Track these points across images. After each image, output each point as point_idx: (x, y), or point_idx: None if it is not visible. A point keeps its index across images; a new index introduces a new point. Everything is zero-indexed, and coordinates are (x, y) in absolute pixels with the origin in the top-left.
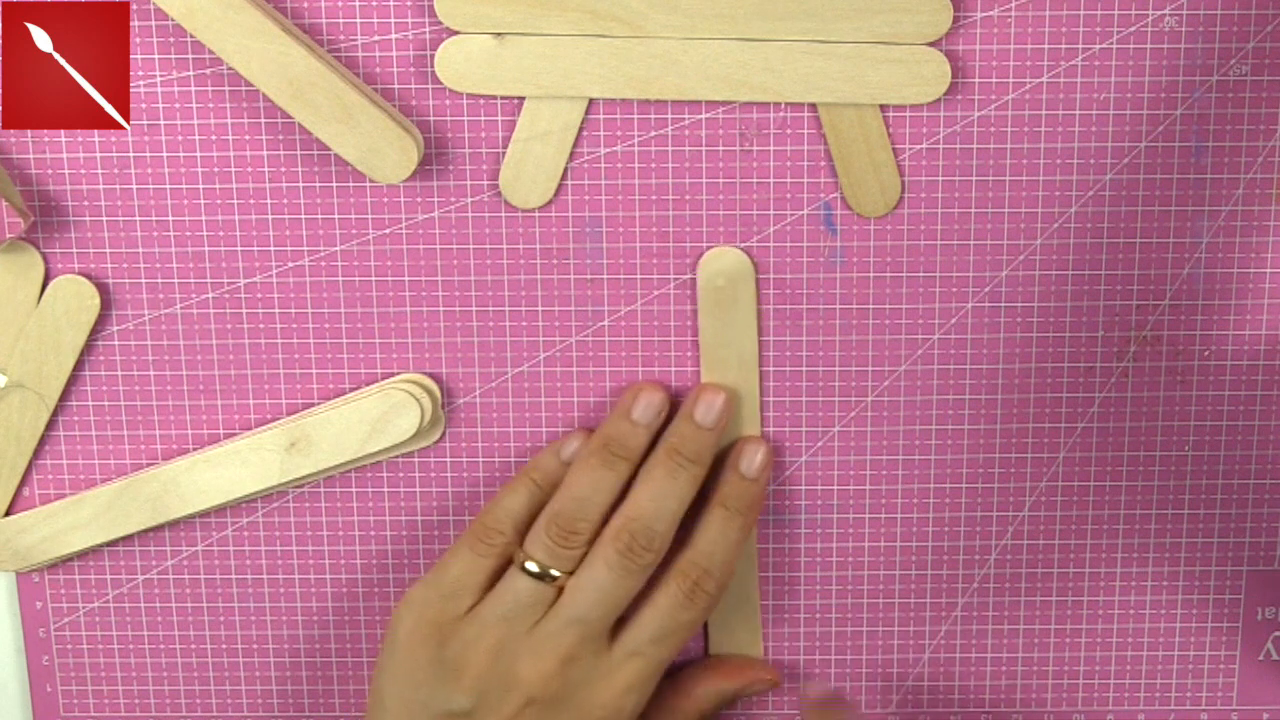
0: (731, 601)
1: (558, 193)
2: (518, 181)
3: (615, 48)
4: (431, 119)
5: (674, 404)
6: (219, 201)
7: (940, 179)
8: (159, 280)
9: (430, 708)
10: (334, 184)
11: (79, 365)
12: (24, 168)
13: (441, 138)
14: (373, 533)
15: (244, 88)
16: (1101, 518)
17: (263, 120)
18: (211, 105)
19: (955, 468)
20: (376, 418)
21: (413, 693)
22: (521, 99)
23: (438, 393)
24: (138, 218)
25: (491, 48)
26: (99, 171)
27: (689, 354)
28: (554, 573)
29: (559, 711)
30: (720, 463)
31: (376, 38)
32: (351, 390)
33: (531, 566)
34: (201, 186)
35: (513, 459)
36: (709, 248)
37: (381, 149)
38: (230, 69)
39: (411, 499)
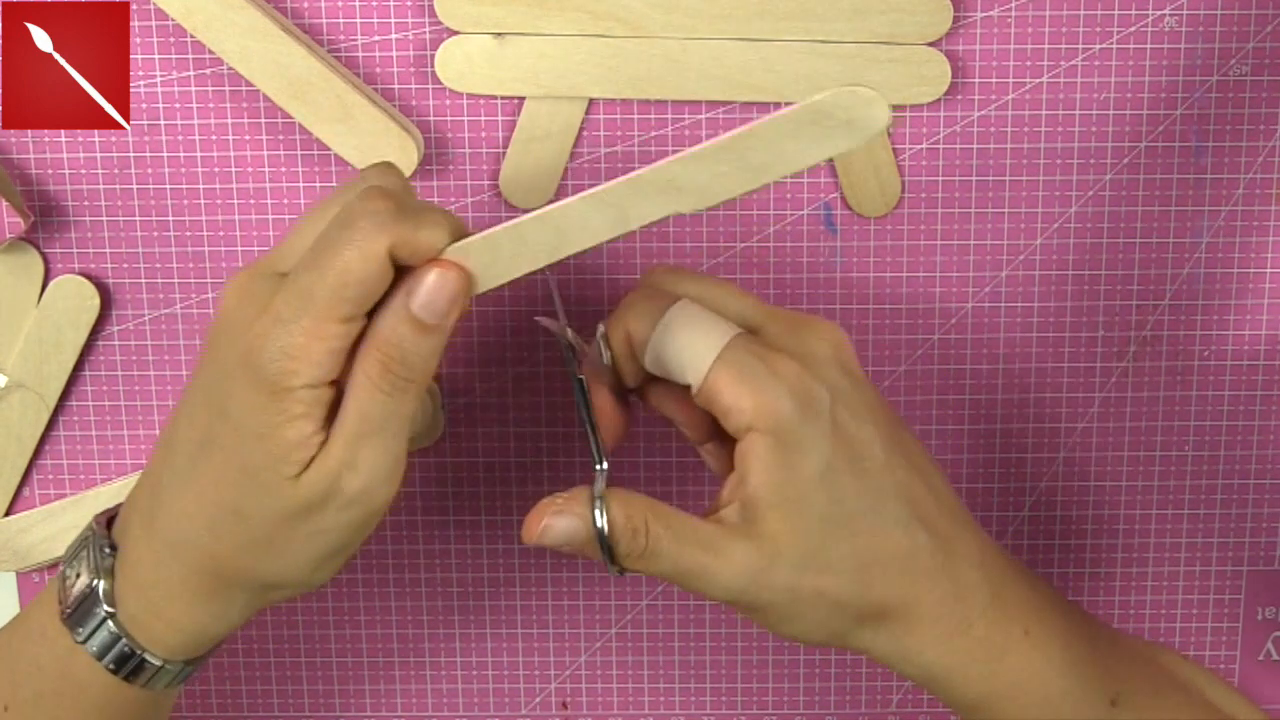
0: None
1: (558, 193)
2: (518, 181)
3: (615, 48)
4: (431, 119)
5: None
6: (219, 201)
7: (940, 179)
8: (159, 280)
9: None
10: (334, 184)
11: (79, 365)
12: (24, 168)
13: (441, 138)
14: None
15: (244, 88)
16: (1101, 518)
17: (263, 120)
18: (211, 105)
19: (955, 468)
20: None
21: None
22: (521, 99)
23: (438, 393)
24: (138, 218)
25: (491, 48)
26: (99, 171)
27: None
28: None
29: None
30: None
31: (376, 38)
32: None
33: None
34: (201, 186)
35: (512, 459)
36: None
37: (381, 149)
38: (230, 69)
39: (411, 499)
